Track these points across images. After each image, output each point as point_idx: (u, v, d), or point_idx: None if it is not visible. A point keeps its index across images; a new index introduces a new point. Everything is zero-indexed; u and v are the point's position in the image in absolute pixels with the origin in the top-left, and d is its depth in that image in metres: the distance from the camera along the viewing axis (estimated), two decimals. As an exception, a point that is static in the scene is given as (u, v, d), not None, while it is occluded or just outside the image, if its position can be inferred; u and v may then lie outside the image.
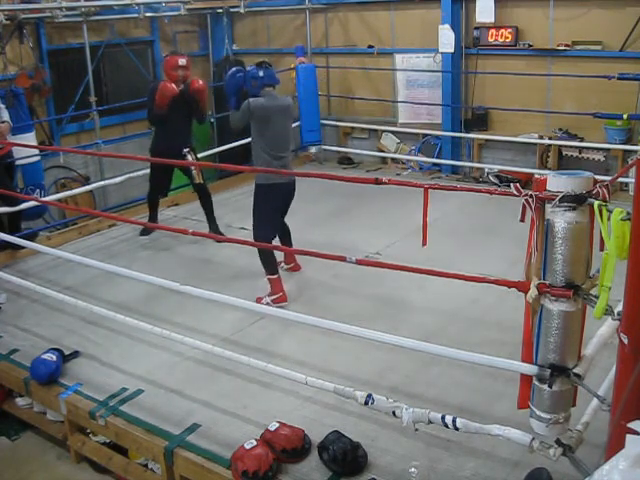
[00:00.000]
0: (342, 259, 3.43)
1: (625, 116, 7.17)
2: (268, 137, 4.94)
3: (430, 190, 2.94)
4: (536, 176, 2.53)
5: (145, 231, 6.67)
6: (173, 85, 6.09)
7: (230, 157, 8.62)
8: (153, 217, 6.78)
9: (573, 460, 2.64)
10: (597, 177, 2.49)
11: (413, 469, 3.16)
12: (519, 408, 2.77)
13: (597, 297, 2.39)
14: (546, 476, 2.95)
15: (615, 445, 1.75)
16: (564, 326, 2.51)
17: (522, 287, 2.60)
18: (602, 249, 2.36)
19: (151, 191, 6.76)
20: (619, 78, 7.08)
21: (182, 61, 6.22)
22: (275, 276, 5.05)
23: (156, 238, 6.58)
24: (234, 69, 5.25)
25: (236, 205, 7.53)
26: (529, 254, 2.55)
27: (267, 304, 4.86)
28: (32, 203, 6.03)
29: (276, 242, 5.31)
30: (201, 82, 6.29)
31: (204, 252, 6.16)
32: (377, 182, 3.19)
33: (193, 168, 6.33)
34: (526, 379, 2.72)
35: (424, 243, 2.95)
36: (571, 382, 2.58)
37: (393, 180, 3.22)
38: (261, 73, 4.98)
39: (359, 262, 3.34)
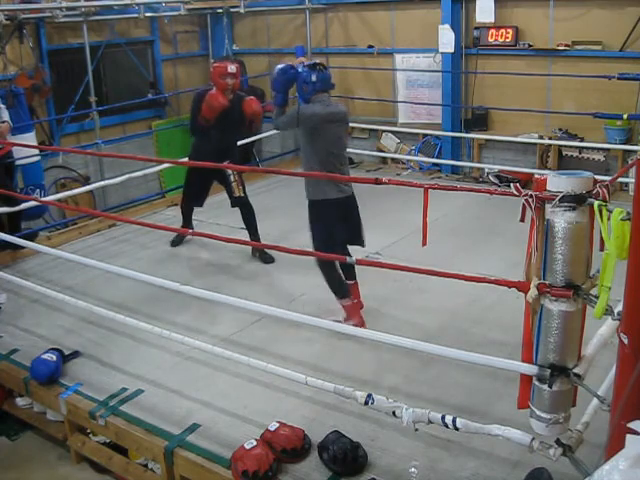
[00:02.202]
0: (342, 259, 3.43)
1: (625, 116, 7.17)
2: (319, 148, 4.44)
3: (430, 190, 2.94)
4: (536, 176, 2.53)
5: (176, 242, 6.32)
6: (223, 97, 5.56)
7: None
8: (186, 226, 6.24)
9: (573, 460, 2.64)
10: (597, 177, 2.49)
11: (413, 469, 3.16)
12: (519, 408, 2.77)
13: (597, 297, 2.39)
14: (546, 476, 2.95)
15: (615, 445, 1.74)
16: (564, 326, 2.51)
17: (522, 287, 2.60)
18: (602, 249, 2.36)
19: (186, 201, 6.29)
20: (619, 78, 7.08)
21: (232, 68, 5.68)
22: (347, 301, 4.54)
23: (158, 238, 6.55)
24: (285, 65, 4.68)
25: (236, 205, 7.53)
26: (529, 254, 2.55)
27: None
28: (32, 203, 6.02)
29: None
30: (257, 104, 5.82)
31: (204, 252, 6.16)
32: (377, 182, 3.19)
33: (233, 180, 5.80)
34: (526, 379, 2.71)
35: (424, 243, 2.94)
36: (571, 382, 2.58)
37: (393, 180, 3.21)
38: (314, 77, 4.43)
39: (359, 262, 3.34)
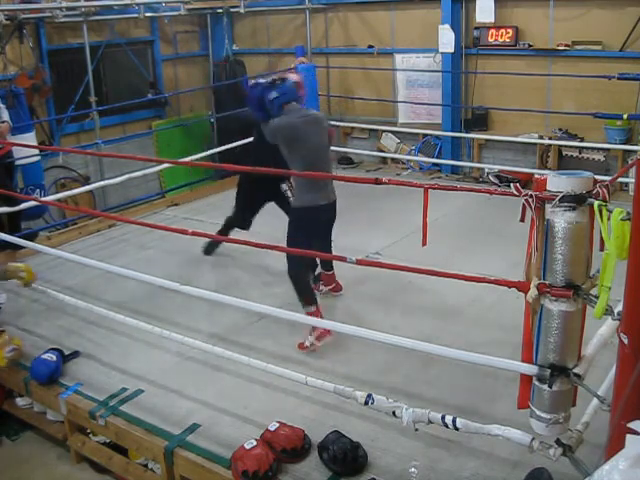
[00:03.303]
0: (343, 259, 3.43)
1: (625, 116, 7.16)
2: (301, 156, 4.38)
3: (430, 190, 2.94)
4: (536, 176, 2.53)
5: (209, 249, 5.98)
6: None
7: (230, 157, 8.63)
8: (222, 234, 5.79)
9: (573, 460, 2.64)
10: (597, 177, 2.49)
11: (413, 469, 3.16)
12: (519, 408, 2.77)
13: (597, 297, 2.39)
14: (546, 476, 2.95)
15: (615, 445, 1.75)
16: (564, 326, 2.51)
17: (522, 287, 2.60)
18: (602, 249, 2.36)
19: (234, 217, 5.76)
20: (619, 78, 7.08)
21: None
22: (313, 308, 4.45)
23: (158, 238, 6.55)
24: (251, 84, 4.69)
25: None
26: (529, 254, 2.55)
27: (311, 345, 4.31)
28: (32, 203, 6.02)
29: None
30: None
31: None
32: (377, 182, 3.19)
33: (291, 195, 5.25)
34: (526, 379, 2.72)
35: (424, 243, 2.95)
36: (571, 382, 2.58)
37: (393, 180, 3.21)
38: (274, 94, 4.41)
39: (359, 262, 3.34)
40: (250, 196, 5.56)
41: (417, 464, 3.20)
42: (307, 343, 4.30)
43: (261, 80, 4.71)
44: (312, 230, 4.50)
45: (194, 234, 3.87)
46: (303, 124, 4.40)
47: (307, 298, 4.47)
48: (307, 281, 4.60)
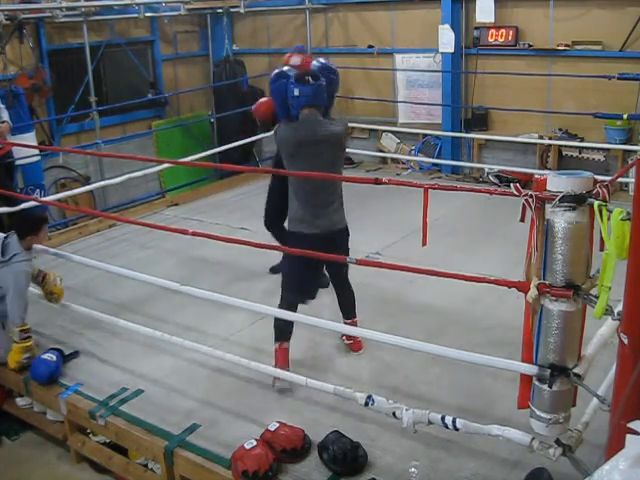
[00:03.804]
0: (342, 259, 3.43)
1: (625, 116, 7.16)
2: (292, 180, 3.89)
3: (430, 190, 2.94)
4: (536, 176, 2.53)
5: (276, 269, 5.22)
6: None
7: (230, 157, 8.64)
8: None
9: (573, 460, 2.64)
10: (597, 177, 2.49)
11: (413, 469, 3.16)
12: (519, 408, 2.77)
13: (597, 297, 2.39)
14: (546, 476, 2.95)
15: (615, 445, 1.75)
16: (564, 326, 2.51)
17: (522, 287, 2.60)
18: (602, 249, 2.36)
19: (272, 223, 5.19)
20: (619, 78, 7.08)
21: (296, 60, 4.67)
22: (284, 346, 4.00)
23: (158, 238, 6.54)
24: (276, 73, 4.11)
25: (236, 205, 7.53)
26: (529, 254, 2.55)
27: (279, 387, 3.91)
28: (32, 203, 6.02)
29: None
30: None
31: (204, 252, 6.15)
32: (377, 182, 3.19)
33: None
34: (526, 379, 2.72)
35: (424, 243, 2.95)
36: (571, 382, 2.58)
37: (393, 180, 3.21)
38: (296, 92, 3.81)
39: (359, 262, 3.34)
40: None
41: (417, 464, 3.20)
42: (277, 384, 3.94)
43: (287, 69, 4.14)
44: (301, 262, 3.82)
45: (194, 234, 3.87)
46: (305, 143, 3.82)
47: (278, 333, 4.01)
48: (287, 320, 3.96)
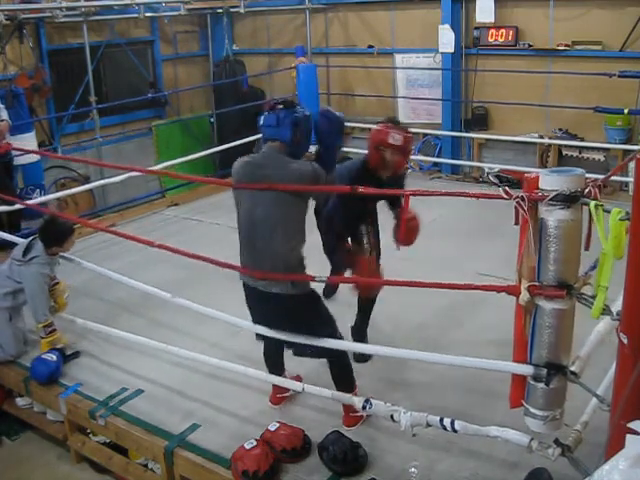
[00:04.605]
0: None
1: (626, 111, 7.10)
2: (239, 217, 3.42)
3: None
4: (526, 175, 2.50)
5: (329, 293, 4.76)
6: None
7: (230, 157, 8.62)
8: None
9: (572, 460, 2.64)
10: (597, 177, 2.48)
11: (413, 469, 3.16)
12: (512, 407, 2.77)
13: (593, 297, 2.38)
14: (546, 476, 2.95)
15: (615, 445, 1.75)
16: (558, 324, 2.51)
17: (513, 291, 2.58)
18: (587, 248, 2.36)
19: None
20: (620, 75, 7.07)
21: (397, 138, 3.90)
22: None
23: (158, 238, 6.52)
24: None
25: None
26: (521, 255, 2.54)
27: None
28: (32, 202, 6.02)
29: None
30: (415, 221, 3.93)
31: (204, 252, 6.15)
32: (353, 190, 3.15)
33: (366, 242, 4.17)
34: (518, 378, 2.71)
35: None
36: (567, 379, 2.59)
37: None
38: (261, 121, 3.32)
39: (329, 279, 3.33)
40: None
41: (417, 464, 3.20)
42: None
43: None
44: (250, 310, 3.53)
45: (160, 247, 3.90)
46: (251, 178, 3.26)
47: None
48: (270, 362, 3.80)
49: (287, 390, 3.81)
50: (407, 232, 3.82)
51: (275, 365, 3.80)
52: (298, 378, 3.88)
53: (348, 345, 3.65)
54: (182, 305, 3.92)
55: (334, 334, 3.37)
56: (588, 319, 2.48)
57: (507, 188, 2.50)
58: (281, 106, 3.27)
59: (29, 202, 6.04)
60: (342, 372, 3.51)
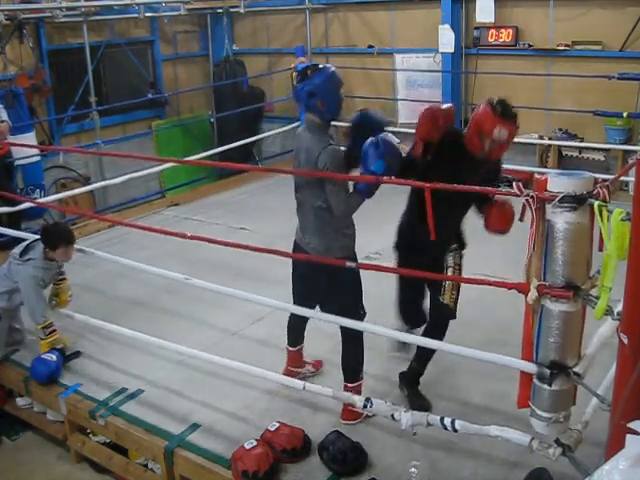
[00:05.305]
0: (342, 262, 3.41)
1: (625, 114, 7.14)
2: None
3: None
4: (536, 176, 2.52)
5: (401, 347, 4.17)
6: None
7: (230, 157, 8.63)
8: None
9: (572, 460, 2.64)
10: (598, 177, 2.49)
11: (413, 469, 3.16)
12: (519, 407, 2.77)
13: (597, 297, 2.39)
14: (546, 476, 2.95)
15: (615, 445, 1.75)
16: (564, 326, 2.51)
17: (522, 289, 2.59)
18: (601, 249, 2.36)
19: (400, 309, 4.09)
20: (619, 78, 7.07)
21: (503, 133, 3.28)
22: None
23: (158, 238, 6.52)
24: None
25: (236, 205, 7.53)
26: (529, 255, 2.55)
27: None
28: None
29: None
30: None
31: (205, 253, 6.15)
32: (377, 181, 3.20)
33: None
34: (526, 379, 2.72)
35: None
36: (571, 381, 2.59)
37: (393, 179, 3.22)
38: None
39: (359, 267, 3.35)
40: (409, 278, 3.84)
41: (417, 464, 3.19)
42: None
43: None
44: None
45: (192, 237, 3.87)
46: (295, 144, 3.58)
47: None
48: (293, 332, 4.01)
49: (302, 365, 4.05)
50: (501, 217, 3.66)
51: (297, 336, 4.01)
52: (319, 363, 4.13)
53: (365, 327, 3.53)
54: (200, 286, 3.89)
55: (357, 304, 3.63)
56: (592, 320, 2.48)
57: (519, 184, 2.51)
58: (309, 71, 3.32)
59: (39, 200, 6.00)
60: (352, 355, 3.67)
